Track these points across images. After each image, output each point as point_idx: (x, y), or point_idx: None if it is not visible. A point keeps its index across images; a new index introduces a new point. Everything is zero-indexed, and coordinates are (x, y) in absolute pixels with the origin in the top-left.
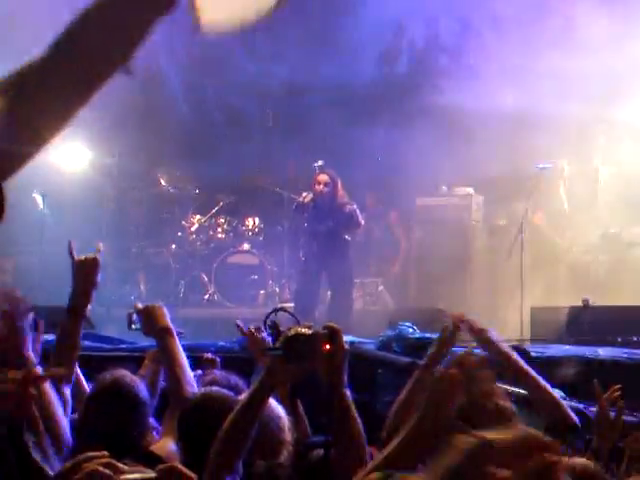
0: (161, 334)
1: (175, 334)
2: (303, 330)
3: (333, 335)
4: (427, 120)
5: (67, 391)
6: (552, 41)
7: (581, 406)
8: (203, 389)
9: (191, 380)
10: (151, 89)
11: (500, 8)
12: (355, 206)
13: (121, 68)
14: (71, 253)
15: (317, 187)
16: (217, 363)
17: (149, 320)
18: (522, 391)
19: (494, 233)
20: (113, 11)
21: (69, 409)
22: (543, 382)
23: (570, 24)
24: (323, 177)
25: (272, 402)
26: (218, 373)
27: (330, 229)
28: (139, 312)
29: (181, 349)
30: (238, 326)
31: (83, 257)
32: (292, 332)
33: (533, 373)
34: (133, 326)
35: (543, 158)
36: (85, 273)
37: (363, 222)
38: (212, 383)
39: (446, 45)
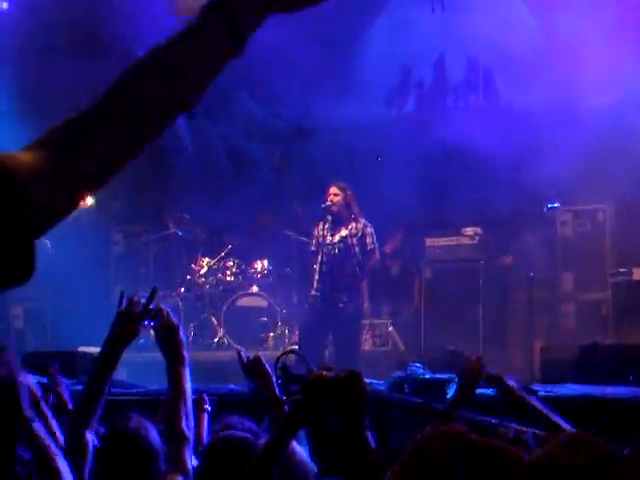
0: (179, 359)
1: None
2: (324, 374)
3: (354, 379)
4: (435, 160)
5: (89, 436)
6: (560, 79)
7: None
8: (222, 433)
9: (191, 417)
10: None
11: (507, 47)
12: (370, 229)
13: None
14: (121, 302)
15: (328, 199)
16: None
17: (169, 337)
18: (537, 431)
19: (503, 272)
20: (171, 60)
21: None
22: (559, 421)
23: (577, 62)
24: (333, 189)
25: (295, 446)
26: (233, 418)
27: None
28: (164, 317)
29: (189, 383)
30: (239, 354)
31: (130, 309)
32: (313, 376)
33: (548, 413)
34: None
35: (551, 196)
36: (127, 325)
37: (378, 254)
38: (228, 427)
39: (454, 84)
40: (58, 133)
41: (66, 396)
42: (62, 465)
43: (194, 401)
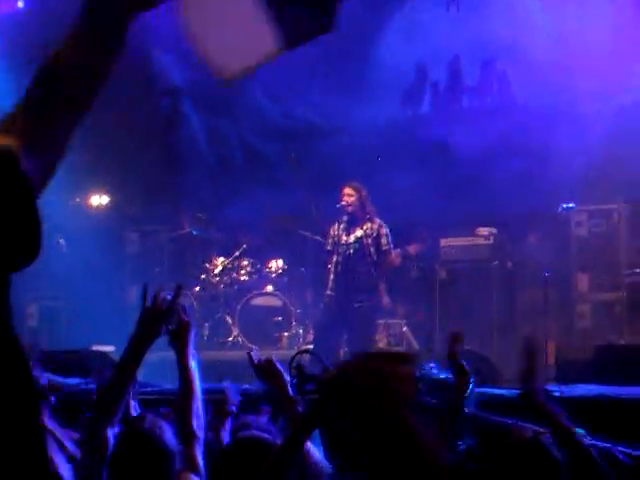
0: (189, 356)
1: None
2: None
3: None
4: (450, 160)
5: (110, 434)
6: (574, 80)
7: (608, 445)
8: (239, 433)
9: (202, 415)
10: (173, 132)
11: (522, 48)
12: (386, 229)
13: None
14: (144, 297)
15: (343, 199)
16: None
17: (182, 334)
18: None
19: (518, 272)
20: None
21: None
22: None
23: (593, 63)
24: (347, 189)
25: (310, 446)
26: (249, 417)
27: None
28: (178, 316)
29: (198, 380)
30: (249, 355)
31: (156, 306)
32: (329, 375)
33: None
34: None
35: (566, 197)
36: (153, 322)
37: (394, 254)
38: (244, 427)
39: (469, 84)
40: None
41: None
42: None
43: (217, 401)
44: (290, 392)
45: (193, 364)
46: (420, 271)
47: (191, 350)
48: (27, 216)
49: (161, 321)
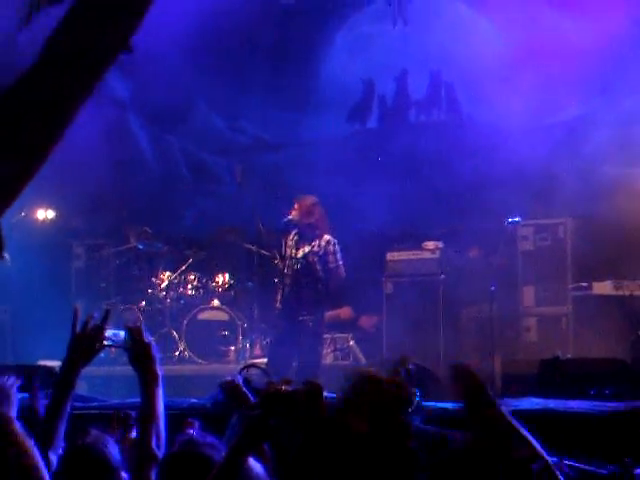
0: (152, 378)
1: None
2: (282, 387)
3: (314, 392)
4: (397, 174)
5: (53, 457)
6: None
7: (554, 459)
8: (182, 448)
9: (162, 435)
10: (118, 145)
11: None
12: (334, 247)
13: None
14: (74, 324)
15: (290, 213)
16: (195, 425)
17: (142, 355)
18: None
19: (463, 286)
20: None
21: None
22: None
23: (539, 78)
24: (296, 204)
25: (250, 461)
26: (194, 432)
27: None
28: (135, 337)
29: (162, 400)
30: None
31: (85, 330)
32: (270, 390)
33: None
34: (106, 342)
35: (512, 211)
36: (83, 347)
37: (342, 271)
38: (189, 442)
39: (417, 98)
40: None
41: (40, 410)
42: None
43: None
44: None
45: (157, 385)
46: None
47: (155, 370)
48: None
49: (91, 344)
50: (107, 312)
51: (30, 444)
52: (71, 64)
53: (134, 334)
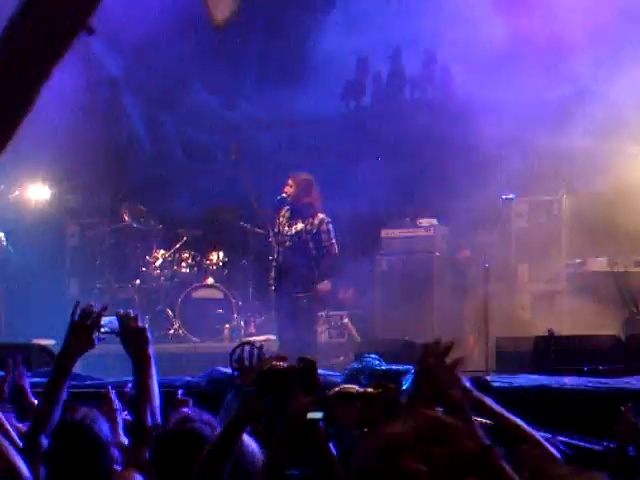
0: (146, 360)
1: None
2: (278, 364)
3: (309, 369)
4: (392, 152)
5: (45, 441)
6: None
7: (548, 435)
8: (177, 425)
9: (158, 413)
10: (112, 124)
11: (463, 40)
12: (327, 226)
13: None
14: (73, 314)
15: (284, 190)
16: (189, 403)
17: (136, 340)
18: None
19: (458, 263)
20: None
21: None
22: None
23: (535, 57)
24: (289, 180)
25: (245, 437)
26: (190, 410)
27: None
28: (126, 323)
29: (156, 380)
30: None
31: (83, 320)
32: (266, 367)
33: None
34: (102, 329)
35: (507, 189)
36: (81, 336)
37: (336, 249)
38: (184, 419)
39: (411, 76)
40: None
41: (27, 388)
42: (19, 461)
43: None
44: None
45: (150, 366)
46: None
47: (148, 353)
48: None
49: (89, 334)
50: (105, 308)
51: (5, 446)
52: (29, 48)
53: (125, 321)
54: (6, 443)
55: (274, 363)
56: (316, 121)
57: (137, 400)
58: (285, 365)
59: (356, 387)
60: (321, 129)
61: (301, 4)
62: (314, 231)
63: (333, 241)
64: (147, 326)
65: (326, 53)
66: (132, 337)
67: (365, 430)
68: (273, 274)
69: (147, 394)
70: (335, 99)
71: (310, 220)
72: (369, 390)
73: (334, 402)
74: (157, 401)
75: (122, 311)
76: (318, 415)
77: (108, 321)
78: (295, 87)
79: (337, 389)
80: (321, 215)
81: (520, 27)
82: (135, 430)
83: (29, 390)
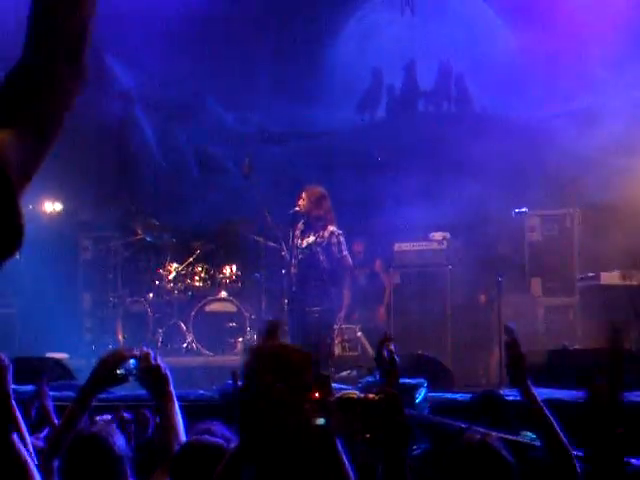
0: (167, 399)
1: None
2: (351, 395)
3: (392, 403)
4: (405, 165)
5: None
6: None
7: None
8: (195, 437)
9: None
10: (126, 137)
11: (478, 53)
12: (337, 238)
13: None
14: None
15: (297, 204)
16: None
17: (154, 378)
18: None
19: (471, 277)
20: None
21: None
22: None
23: (548, 69)
24: (303, 193)
25: None
26: (212, 423)
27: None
28: (145, 365)
29: (179, 411)
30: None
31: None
32: (343, 397)
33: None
34: (119, 371)
35: (519, 203)
36: (106, 372)
37: (349, 261)
38: (204, 432)
39: (425, 89)
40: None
41: (50, 408)
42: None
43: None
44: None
45: (172, 402)
46: (368, 276)
47: (169, 390)
48: (6, 209)
49: (113, 373)
50: (142, 354)
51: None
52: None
53: (143, 362)
54: (33, 466)
55: (348, 394)
56: (329, 133)
57: (163, 436)
58: (359, 396)
59: (357, 392)
60: (335, 142)
61: (315, 18)
62: (324, 244)
63: (345, 253)
64: (163, 365)
65: (340, 66)
66: (149, 377)
67: (367, 436)
68: (286, 287)
69: (172, 431)
70: (349, 111)
71: (321, 232)
72: (370, 396)
73: (334, 408)
74: (183, 436)
75: (141, 350)
76: (320, 422)
77: (129, 362)
78: (308, 99)
79: (337, 395)
80: (331, 227)
81: (534, 40)
82: (162, 457)
83: (52, 410)
